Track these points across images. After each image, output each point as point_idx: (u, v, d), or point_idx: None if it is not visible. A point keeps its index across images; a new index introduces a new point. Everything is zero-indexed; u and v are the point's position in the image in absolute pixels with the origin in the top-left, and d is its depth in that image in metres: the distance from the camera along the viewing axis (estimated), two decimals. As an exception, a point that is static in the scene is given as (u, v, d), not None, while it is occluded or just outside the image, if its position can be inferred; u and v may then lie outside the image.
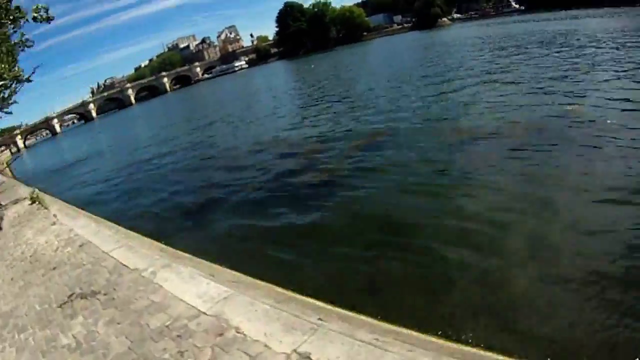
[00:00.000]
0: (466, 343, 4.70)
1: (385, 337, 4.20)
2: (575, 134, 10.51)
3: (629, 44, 22.80)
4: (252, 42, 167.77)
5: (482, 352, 4.48)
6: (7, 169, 48.69)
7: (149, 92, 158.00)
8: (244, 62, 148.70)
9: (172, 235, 10.12)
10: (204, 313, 4.98)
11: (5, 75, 19.42)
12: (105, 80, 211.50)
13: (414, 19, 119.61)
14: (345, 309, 5.48)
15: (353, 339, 4.00)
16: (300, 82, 45.11)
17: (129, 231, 10.48)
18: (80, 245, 8.77)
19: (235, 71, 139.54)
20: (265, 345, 4.10)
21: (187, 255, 8.19)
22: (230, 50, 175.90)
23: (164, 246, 8.95)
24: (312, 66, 61.51)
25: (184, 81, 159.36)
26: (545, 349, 4.46)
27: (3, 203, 15.79)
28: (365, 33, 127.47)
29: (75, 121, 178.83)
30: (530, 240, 6.55)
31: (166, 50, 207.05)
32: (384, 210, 8.74)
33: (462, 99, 17.42)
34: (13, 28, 19.73)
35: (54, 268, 7.97)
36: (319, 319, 4.64)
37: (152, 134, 37.30)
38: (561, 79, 17.00)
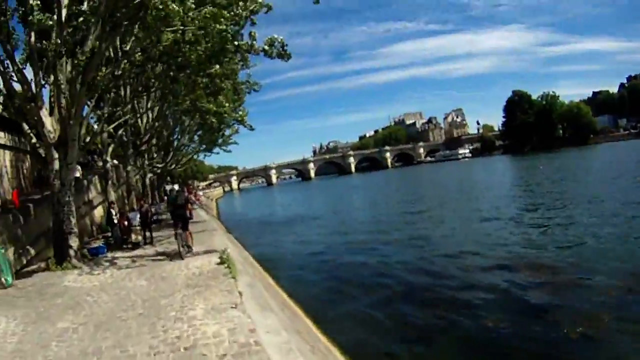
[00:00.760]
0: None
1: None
2: None
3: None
4: (478, 129, 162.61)
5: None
6: (215, 205, 53.74)
7: (370, 163, 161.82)
8: (467, 151, 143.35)
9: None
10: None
11: (227, 115, 18.39)
12: (329, 143, 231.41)
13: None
14: None
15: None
16: (527, 183, 40.15)
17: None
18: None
19: (458, 159, 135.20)
20: None
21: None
22: (455, 135, 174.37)
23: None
24: (541, 167, 55.93)
25: (405, 159, 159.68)
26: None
27: (194, 249, 14.06)
28: (591, 135, 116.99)
29: (293, 177, 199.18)
30: None
31: (392, 123, 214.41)
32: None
33: None
34: (242, 65, 18.83)
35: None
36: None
37: (369, 212, 35.02)
38: None
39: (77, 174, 24.29)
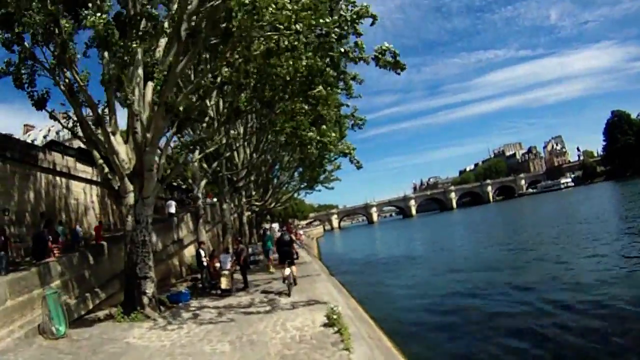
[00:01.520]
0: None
1: None
2: None
3: None
4: (579, 156, 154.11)
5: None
6: (316, 245, 50.89)
7: (471, 198, 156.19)
8: (570, 180, 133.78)
9: None
10: None
11: (333, 147, 15.48)
12: (429, 179, 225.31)
13: None
14: None
15: None
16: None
17: None
18: None
19: (560, 189, 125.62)
20: None
21: None
22: (556, 163, 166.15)
23: None
24: None
25: (507, 192, 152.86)
26: None
27: (292, 298, 11.00)
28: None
29: (393, 214, 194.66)
30: None
31: (492, 155, 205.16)
32: None
33: None
34: (347, 94, 16.22)
35: None
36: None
37: (478, 250, 29.62)
38: None
39: (172, 210, 23.25)
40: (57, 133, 61.12)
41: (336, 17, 11.99)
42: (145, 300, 10.72)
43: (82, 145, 14.91)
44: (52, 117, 12.21)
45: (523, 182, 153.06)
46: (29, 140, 39.35)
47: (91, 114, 11.60)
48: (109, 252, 13.22)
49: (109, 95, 11.84)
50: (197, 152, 16.89)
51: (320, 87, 13.21)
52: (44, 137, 62.05)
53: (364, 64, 12.94)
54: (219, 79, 12.25)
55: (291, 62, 11.57)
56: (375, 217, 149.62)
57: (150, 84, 11.51)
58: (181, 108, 11.48)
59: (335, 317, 7.95)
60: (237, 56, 11.57)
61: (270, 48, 11.17)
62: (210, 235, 26.88)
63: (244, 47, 11.17)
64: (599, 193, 72.28)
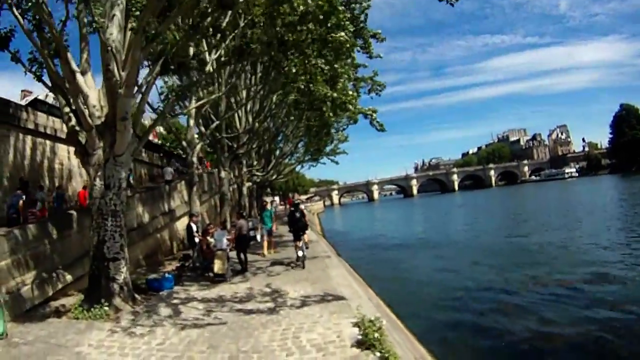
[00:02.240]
0: None
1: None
2: None
3: None
4: (583, 147, 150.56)
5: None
6: (318, 221, 48.49)
7: (473, 181, 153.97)
8: (574, 170, 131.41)
9: None
10: None
11: (350, 106, 12.99)
12: (431, 160, 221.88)
13: None
14: None
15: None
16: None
17: None
18: None
19: (565, 178, 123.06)
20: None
21: None
22: (560, 153, 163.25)
23: None
24: None
25: (509, 178, 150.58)
26: None
27: (302, 289, 8.52)
28: None
29: (394, 193, 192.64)
30: None
31: (495, 140, 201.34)
32: None
33: None
34: (366, 53, 15.00)
35: None
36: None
37: (487, 238, 26.81)
38: None
39: (168, 177, 20.60)
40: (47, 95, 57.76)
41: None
42: (115, 288, 8.28)
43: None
44: (15, 58, 9.48)
45: (526, 168, 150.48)
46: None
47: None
48: (80, 224, 10.71)
49: (80, 25, 9.16)
50: (192, 103, 14.22)
51: (343, 33, 10.79)
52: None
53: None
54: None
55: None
56: (376, 195, 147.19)
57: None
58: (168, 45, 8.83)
59: (373, 331, 5.50)
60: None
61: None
62: (207, 207, 24.39)
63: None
64: (608, 185, 70.02)
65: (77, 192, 15.40)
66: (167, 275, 10.41)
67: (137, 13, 8.80)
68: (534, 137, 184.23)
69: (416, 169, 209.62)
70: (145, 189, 18.46)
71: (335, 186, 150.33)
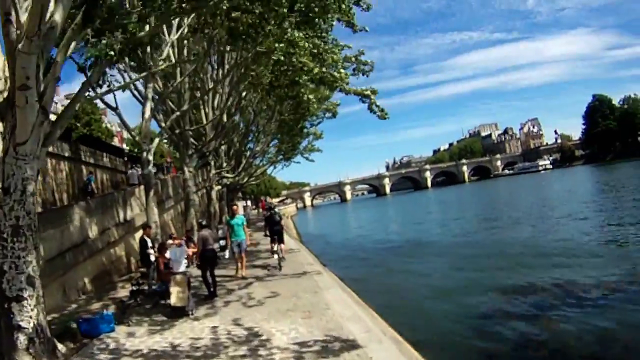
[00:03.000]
0: None
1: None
2: None
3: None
4: (556, 139, 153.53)
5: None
6: (292, 224, 46.06)
7: (446, 178, 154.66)
8: (548, 162, 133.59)
9: None
10: None
11: (342, 83, 10.80)
12: (402, 158, 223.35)
13: None
14: None
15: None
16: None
17: None
18: None
19: (538, 171, 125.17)
20: None
21: None
22: (532, 146, 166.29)
23: None
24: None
25: (482, 173, 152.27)
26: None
27: (296, 330, 6.27)
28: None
29: (366, 193, 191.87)
30: None
31: (467, 136, 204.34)
32: None
33: None
34: (349, 25, 12.03)
35: None
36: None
37: (471, 236, 25.69)
38: None
39: (135, 180, 18.06)
40: None
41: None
42: (21, 340, 5.59)
43: None
44: None
45: (499, 162, 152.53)
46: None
47: None
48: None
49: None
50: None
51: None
52: None
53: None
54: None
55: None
56: (348, 195, 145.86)
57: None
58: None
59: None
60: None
61: None
62: (173, 216, 21.52)
63: None
64: (581, 177, 70.51)
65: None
66: (104, 313, 7.58)
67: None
68: (505, 131, 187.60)
69: (387, 168, 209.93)
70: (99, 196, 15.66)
71: (307, 188, 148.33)
